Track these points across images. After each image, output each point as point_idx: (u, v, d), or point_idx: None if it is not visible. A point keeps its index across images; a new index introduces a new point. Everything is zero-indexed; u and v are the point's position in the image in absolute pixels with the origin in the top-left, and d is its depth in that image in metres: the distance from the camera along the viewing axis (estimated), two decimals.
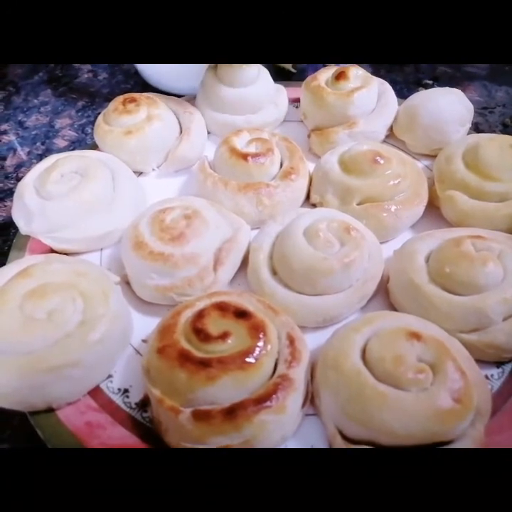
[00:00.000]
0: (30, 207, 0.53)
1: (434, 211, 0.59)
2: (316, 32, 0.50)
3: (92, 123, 0.75)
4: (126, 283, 0.52)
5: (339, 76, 0.66)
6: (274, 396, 0.39)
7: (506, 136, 0.58)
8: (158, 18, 0.49)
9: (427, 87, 0.85)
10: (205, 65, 0.70)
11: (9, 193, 0.69)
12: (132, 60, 0.56)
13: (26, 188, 0.55)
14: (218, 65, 0.68)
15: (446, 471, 0.33)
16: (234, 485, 0.33)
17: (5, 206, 0.68)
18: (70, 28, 0.49)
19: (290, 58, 0.58)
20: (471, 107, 0.65)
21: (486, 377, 0.45)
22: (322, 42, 0.51)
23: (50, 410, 0.43)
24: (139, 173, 0.66)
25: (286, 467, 0.34)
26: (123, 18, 0.48)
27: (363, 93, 0.65)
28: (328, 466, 0.34)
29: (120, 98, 0.65)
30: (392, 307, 0.52)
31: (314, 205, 0.61)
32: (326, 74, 0.69)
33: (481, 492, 0.31)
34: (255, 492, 0.32)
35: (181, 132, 0.66)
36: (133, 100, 0.63)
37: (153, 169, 0.66)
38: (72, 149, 0.76)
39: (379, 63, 0.88)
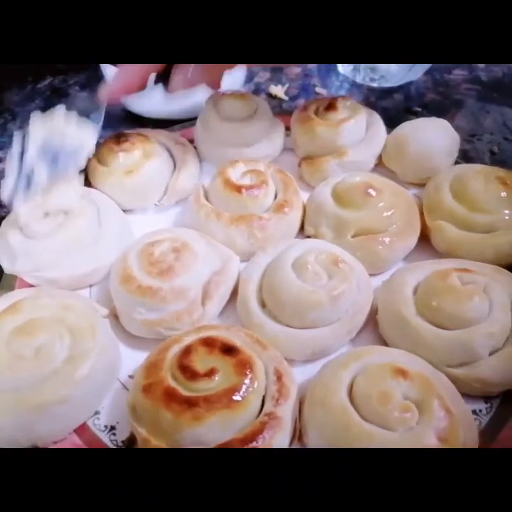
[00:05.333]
0: (14, 246, 0.52)
1: (423, 240, 0.60)
2: (302, 31, 0.48)
3: None
4: (114, 316, 0.52)
5: (328, 107, 0.68)
6: (260, 436, 0.39)
7: (492, 167, 0.59)
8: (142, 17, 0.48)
9: (416, 114, 0.86)
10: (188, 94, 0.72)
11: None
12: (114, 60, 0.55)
13: (10, 227, 0.54)
14: (216, 96, 0.70)
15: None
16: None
17: None
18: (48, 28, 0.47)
19: (278, 59, 0.56)
20: (457, 137, 0.66)
21: (474, 412, 0.45)
22: (310, 42, 0.49)
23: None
24: None
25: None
26: (107, 17, 0.47)
27: (351, 123, 0.66)
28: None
29: (111, 138, 0.65)
30: (382, 339, 0.52)
31: (309, 237, 0.61)
32: (315, 104, 0.70)
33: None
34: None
35: (175, 164, 0.67)
36: (126, 139, 0.64)
37: (156, 204, 0.66)
38: None
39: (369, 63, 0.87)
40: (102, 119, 0.55)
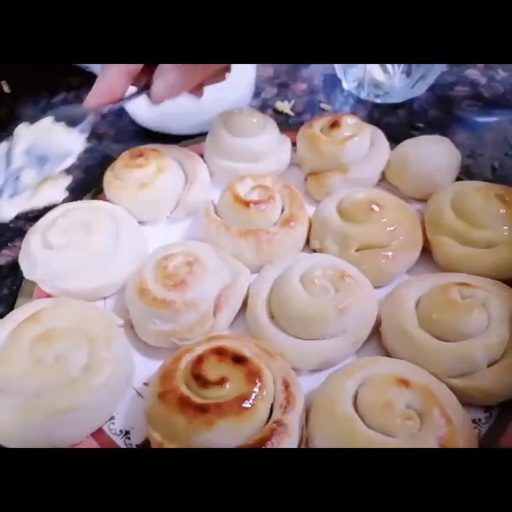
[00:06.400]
0: (35, 254, 0.55)
1: (425, 253, 0.62)
2: (300, 31, 0.49)
3: (99, 164, 0.78)
4: (130, 326, 0.54)
5: (333, 124, 0.70)
6: (268, 442, 0.41)
7: (491, 184, 0.61)
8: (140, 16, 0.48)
9: (419, 130, 0.89)
10: (199, 110, 0.74)
11: (19, 233, 0.72)
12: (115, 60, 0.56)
13: (33, 235, 0.57)
14: (226, 113, 0.72)
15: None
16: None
17: (14, 246, 0.71)
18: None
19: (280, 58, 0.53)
20: (458, 154, 0.68)
21: (474, 421, 0.47)
22: (309, 42, 0.49)
23: None
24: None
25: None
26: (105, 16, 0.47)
27: (355, 141, 0.69)
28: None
29: (127, 154, 0.68)
30: (385, 350, 0.54)
31: (314, 251, 0.63)
32: (320, 121, 0.73)
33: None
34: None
35: (186, 178, 0.70)
36: (141, 154, 0.67)
37: (168, 217, 0.69)
38: (79, 191, 0.78)
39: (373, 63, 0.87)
40: (89, 129, 0.55)
